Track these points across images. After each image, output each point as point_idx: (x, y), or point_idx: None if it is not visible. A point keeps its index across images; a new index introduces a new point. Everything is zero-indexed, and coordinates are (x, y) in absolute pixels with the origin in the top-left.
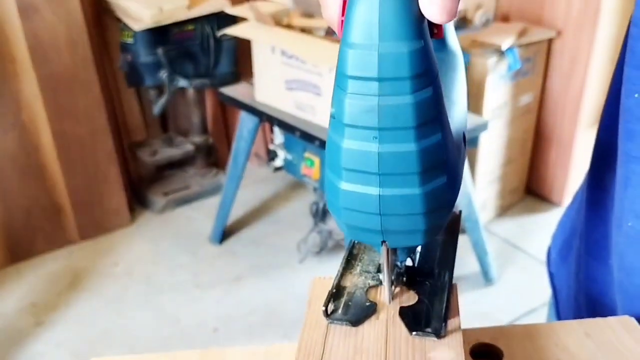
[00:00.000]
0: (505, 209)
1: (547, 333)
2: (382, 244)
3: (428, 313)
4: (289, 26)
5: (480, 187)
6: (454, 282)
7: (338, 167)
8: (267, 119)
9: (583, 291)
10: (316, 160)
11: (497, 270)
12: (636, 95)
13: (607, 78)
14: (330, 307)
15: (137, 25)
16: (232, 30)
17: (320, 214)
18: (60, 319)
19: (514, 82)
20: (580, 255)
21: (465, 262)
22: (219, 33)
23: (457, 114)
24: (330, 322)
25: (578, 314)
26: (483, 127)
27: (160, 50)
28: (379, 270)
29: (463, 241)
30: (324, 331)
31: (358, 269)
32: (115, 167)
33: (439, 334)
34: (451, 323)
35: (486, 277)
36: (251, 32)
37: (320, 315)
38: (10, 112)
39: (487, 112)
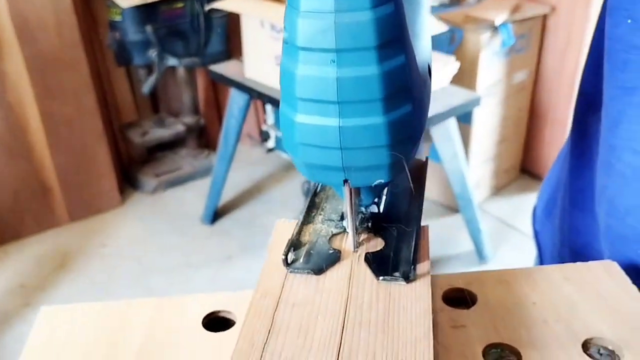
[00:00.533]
0: (499, 188)
1: (523, 277)
2: (344, 184)
3: (396, 258)
4: (278, 0)
5: (474, 166)
6: (425, 224)
7: (293, 97)
8: (257, 95)
9: (567, 244)
10: None
11: (491, 249)
12: (629, 21)
13: None
14: (291, 256)
15: (125, 2)
16: (221, 4)
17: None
18: (48, 300)
19: (508, 58)
20: (565, 207)
21: (458, 240)
22: (208, 7)
23: (422, 47)
24: (291, 272)
25: None
26: (476, 102)
27: (149, 28)
28: (342, 218)
29: (456, 220)
30: (285, 273)
31: (320, 217)
32: (104, 148)
33: (408, 278)
34: (421, 267)
35: (480, 255)
36: (240, 6)
37: (281, 257)
38: None
39: (480, 89)
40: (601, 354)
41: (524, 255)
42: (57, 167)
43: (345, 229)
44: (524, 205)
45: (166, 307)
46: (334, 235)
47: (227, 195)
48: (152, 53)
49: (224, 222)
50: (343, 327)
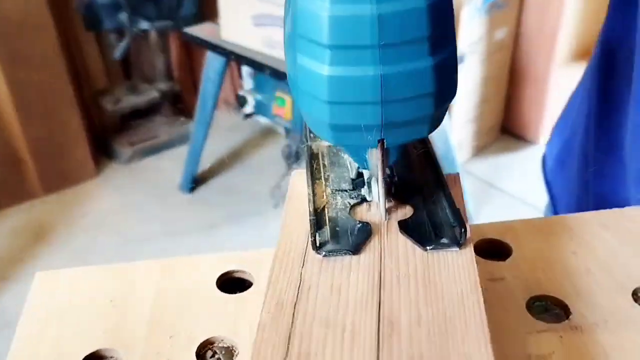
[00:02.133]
0: (481, 149)
1: (559, 226)
2: (377, 145)
3: (435, 222)
4: None
5: (456, 128)
6: (455, 173)
7: (319, 46)
8: (234, 57)
9: (592, 191)
10: (287, 100)
11: (473, 209)
12: None
13: (583, 13)
14: (318, 238)
15: None
16: None
17: (294, 157)
18: (26, 273)
19: (489, 15)
20: (587, 153)
21: None
22: None
23: None
24: (325, 256)
25: None
26: (458, 59)
27: None
28: (354, 187)
29: None
30: (308, 226)
31: (329, 189)
32: (76, 116)
33: (459, 243)
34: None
35: None
36: None
37: (301, 209)
38: None
39: (462, 46)
40: None
41: (507, 214)
42: (27, 137)
43: (362, 199)
44: (505, 165)
45: (175, 268)
46: (352, 207)
47: (205, 162)
48: (123, 16)
49: (203, 190)
50: (380, 283)
